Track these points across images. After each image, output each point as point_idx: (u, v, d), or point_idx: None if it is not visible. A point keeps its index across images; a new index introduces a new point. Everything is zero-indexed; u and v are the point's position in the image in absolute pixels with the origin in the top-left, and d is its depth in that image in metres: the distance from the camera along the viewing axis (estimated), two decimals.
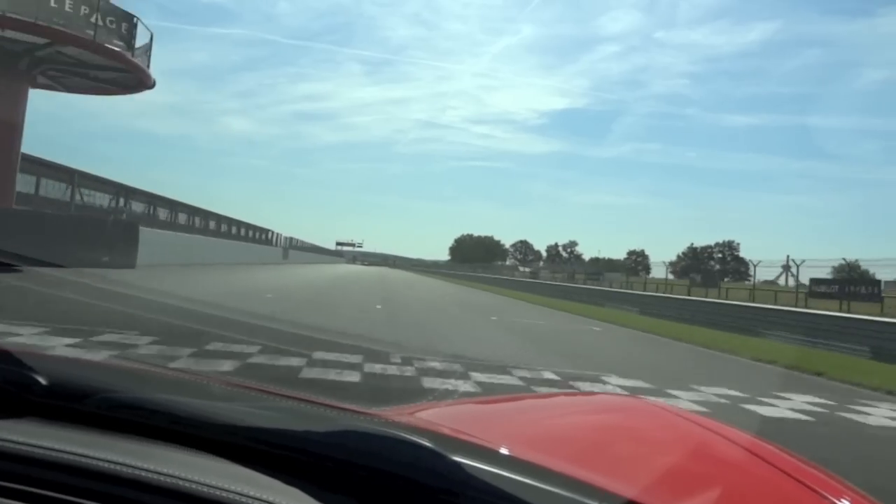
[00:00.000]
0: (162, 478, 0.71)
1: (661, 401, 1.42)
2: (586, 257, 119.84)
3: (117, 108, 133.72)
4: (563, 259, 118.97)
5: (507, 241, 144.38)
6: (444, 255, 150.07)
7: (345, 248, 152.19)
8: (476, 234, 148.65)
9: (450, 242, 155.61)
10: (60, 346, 6.65)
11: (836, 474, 1.14)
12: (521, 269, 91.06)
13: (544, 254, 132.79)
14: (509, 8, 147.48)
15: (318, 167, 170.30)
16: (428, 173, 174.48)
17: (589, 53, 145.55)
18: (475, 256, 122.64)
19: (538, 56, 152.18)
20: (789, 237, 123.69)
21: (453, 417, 1.30)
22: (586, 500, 0.69)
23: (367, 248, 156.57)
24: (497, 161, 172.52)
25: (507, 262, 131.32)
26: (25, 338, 6.90)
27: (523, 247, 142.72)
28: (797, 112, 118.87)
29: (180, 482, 0.70)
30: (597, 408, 1.69)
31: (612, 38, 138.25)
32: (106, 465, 0.72)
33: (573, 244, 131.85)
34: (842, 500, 1.00)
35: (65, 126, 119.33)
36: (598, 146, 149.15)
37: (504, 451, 0.82)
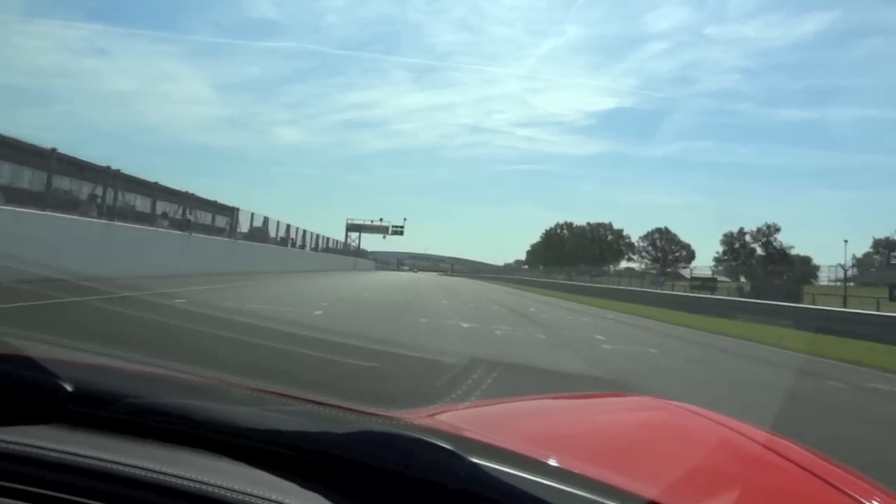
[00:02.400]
0: (184, 482, 0.72)
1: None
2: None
3: (175, 122, 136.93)
4: (760, 258, 71.18)
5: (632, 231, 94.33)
6: (501, 259, 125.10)
7: (363, 242, 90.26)
8: (578, 222, 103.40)
9: (509, 244, 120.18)
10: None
11: (854, 469, 1.13)
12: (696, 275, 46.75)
13: (715, 249, 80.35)
14: (554, 9, 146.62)
15: (367, 174, 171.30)
16: (475, 177, 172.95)
17: (636, 52, 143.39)
18: (580, 256, 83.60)
19: (584, 56, 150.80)
20: (853, 235, 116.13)
21: (472, 419, 1.30)
22: (607, 502, 0.69)
23: (412, 247, 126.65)
24: (545, 163, 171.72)
25: (632, 263, 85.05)
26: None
27: (662, 238, 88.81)
28: (858, 104, 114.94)
29: (202, 486, 0.71)
30: (617, 408, 1.68)
31: (661, 35, 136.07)
32: (130, 469, 0.74)
33: (772, 230, 74.68)
34: (861, 495, 0.99)
35: (126, 142, 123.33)
36: (648, 145, 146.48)
37: (524, 452, 0.81)
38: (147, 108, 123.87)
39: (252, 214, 34.21)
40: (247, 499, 0.70)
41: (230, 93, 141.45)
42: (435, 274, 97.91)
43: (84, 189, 19.62)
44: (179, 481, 0.72)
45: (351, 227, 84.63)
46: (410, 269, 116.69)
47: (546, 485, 0.70)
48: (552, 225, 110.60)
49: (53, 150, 16.12)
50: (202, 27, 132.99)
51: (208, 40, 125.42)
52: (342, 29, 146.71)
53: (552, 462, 0.79)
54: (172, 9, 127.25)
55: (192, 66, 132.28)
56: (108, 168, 19.08)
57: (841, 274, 42.23)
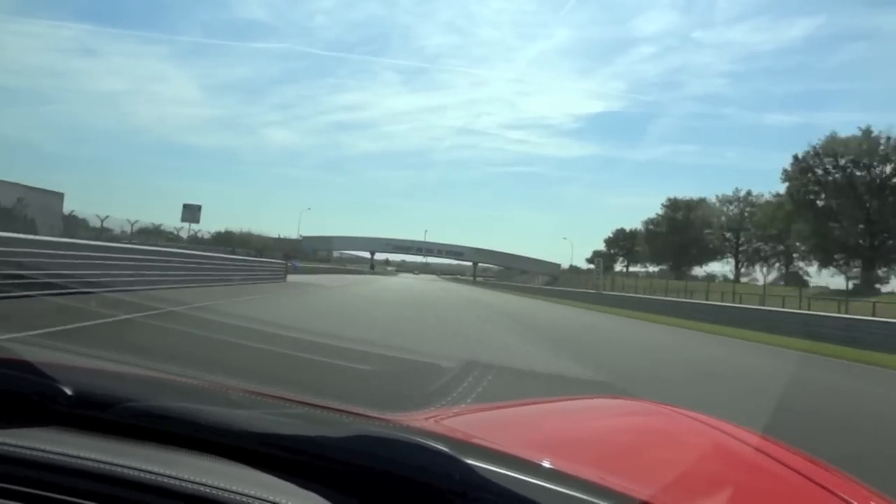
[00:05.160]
0: (183, 483, 0.73)
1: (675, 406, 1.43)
2: None
3: (167, 122, 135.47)
4: None
5: None
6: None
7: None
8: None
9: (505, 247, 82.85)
10: None
11: (844, 471, 1.14)
12: None
13: None
14: (543, 12, 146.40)
15: (356, 176, 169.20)
16: (465, 179, 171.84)
17: (624, 55, 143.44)
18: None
19: (573, 60, 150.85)
20: None
21: (468, 422, 1.31)
22: (601, 503, 0.70)
23: (407, 233, 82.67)
24: (533, 166, 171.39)
25: None
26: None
27: None
28: (843, 109, 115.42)
29: (201, 487, 0.72)
30: (612, 412, 1.69)
31: (648, 39, 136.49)
32: (129, 471, 0.74)
33: None
34: (855, 499, 1.00)
35: (116, 142, 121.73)
36: (635, 148, 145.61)
37: (518, 454, 0.82)
38: (137, 108, 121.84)
39: None
40: (245, 500, 0.71)
41: (219, 94, 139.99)
42: (446, 279, 68.36)
43: None
44: (178, 483, 0.73)
45: None
46: (397, 271, 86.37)
47: (541, 486, 0.71)
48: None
49: None
50: (191, 28, 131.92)
51: (197, 41, 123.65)
52: (331, 30, 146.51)
53: (547, 464, 0.80)
54: (161, 9, 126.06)
55: (181, 66, 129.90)
56: None
57: None
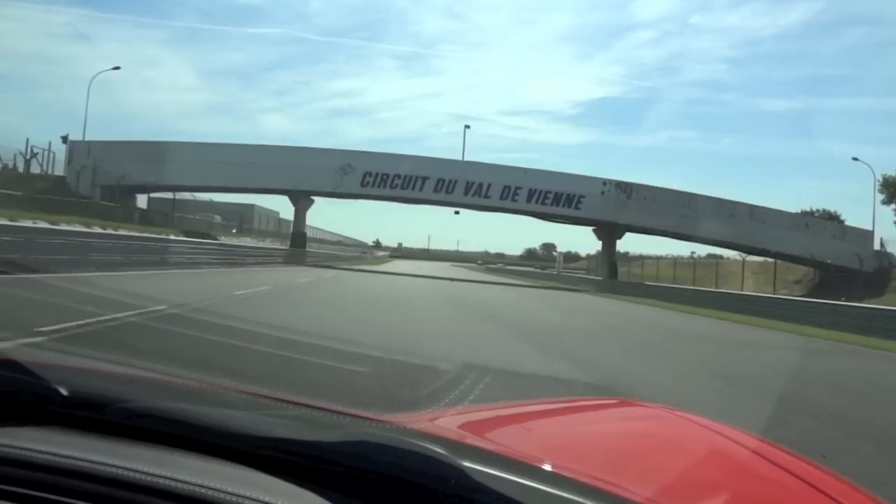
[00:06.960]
0: (178, 484, 0.72)
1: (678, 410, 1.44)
2: None
3: (162, 109, 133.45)
4: None
5: None
6: None
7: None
8: None
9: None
10: None
11: (846, 477, 1.14)
12: None
13: None
14: None
15: None
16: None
17: (623, 40, 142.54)
18: None
19: (571, 45, 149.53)
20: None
21: (466, 424, 1.31)
22: None
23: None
24: (531, 152, 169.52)
25: None
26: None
27: None
28: (842, 95, 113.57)
29: (196, 488, 0.72)
30: (611, 415, 1.69)
31: (647, 23, 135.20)
32: (124, 472, 0.74)
33: None
34: (848, 501, 1.01)
35: (112, 129, 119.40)
36: (634, 134, 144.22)
37: (515, 457, 0.82)
38: (131, 94, 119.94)
39: None
40: (240, 500, 0.70)
41: (215, 79, 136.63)
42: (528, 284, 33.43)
43: None
44: (173, 483, 0.72)
45: None
46: (391, 257, 49.89)
47: (538, 489, 0.71)
48: None
49: None
50: (186, 13, 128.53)
51: (192, 26, 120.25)
52: (327, 15, 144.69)
53: (544, 467, 0.80)
54: None
55: (176, 52, 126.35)
56: None
57: None
